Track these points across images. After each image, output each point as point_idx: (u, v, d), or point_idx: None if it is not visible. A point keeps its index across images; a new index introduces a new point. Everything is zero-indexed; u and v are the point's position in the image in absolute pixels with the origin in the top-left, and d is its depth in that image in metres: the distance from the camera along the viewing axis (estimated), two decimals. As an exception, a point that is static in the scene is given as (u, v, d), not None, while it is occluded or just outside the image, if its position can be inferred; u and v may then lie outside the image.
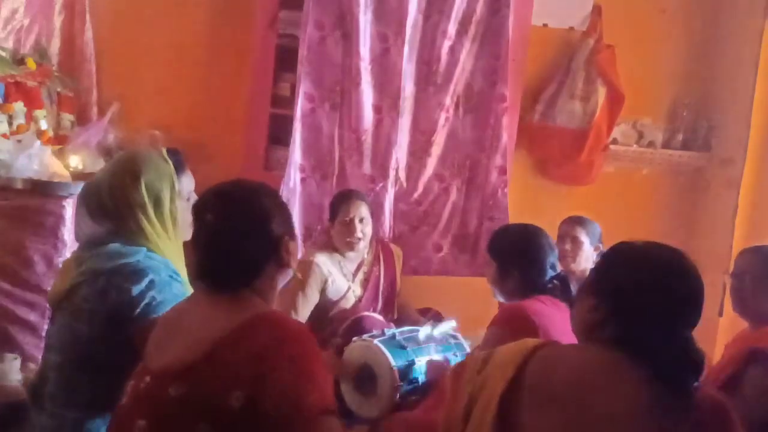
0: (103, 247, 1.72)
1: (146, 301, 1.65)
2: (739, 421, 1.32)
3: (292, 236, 1.53)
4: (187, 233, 1.84)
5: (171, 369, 1.35)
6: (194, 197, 1.87)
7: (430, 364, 2.26)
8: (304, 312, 2.80)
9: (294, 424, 1.28)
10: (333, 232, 2.91)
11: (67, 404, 1.67)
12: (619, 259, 1.41)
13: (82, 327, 1.67)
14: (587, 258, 2.92)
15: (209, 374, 1.31)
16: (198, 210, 1.49)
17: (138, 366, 1.45)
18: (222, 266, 1.44)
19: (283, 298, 2.52)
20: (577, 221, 2.96)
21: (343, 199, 2.89)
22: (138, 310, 1.65)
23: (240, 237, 1.43)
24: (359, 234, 2.84)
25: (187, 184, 1.86)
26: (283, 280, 1.53)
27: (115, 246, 1.71)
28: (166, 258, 1.78)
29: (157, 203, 1.76)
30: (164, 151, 1.83)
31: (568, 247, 2.89)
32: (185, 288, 1.77)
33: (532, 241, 2.24)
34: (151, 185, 1.75)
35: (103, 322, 1.65)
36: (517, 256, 2.20)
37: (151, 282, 1.67)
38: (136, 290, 1.65)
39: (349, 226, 2.83)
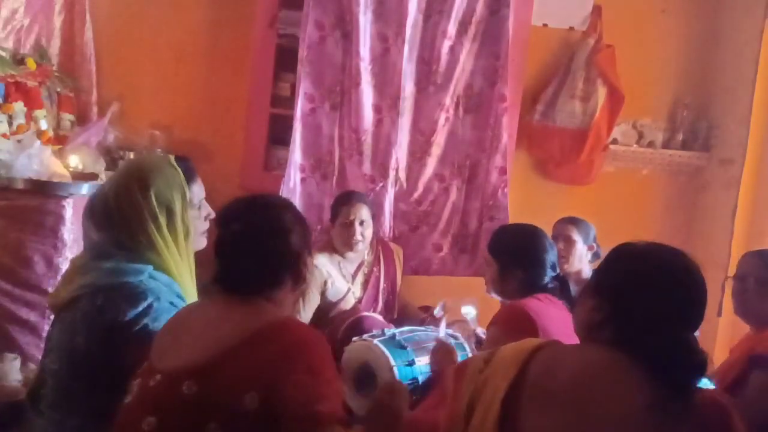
0: (107, 262, 1.66)
1: (139, 326, 1.60)
2: (741, 423, 1.32)
3: (310, 252, 1.59)
4: (199, 242, 1.83)
5: (185, 368, 1.36)
6: (205, 206, 1.84)
7: (437, 342, 2.26)
8: (306, 315, 2.80)
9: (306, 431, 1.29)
10: (333, 233, 2.92)
11: (64, 410, 1.65)
12: (620, 260, 1.41)
13: (79, 340, 1.63)
14: (581, 258, 2.92)
15: (224, 375, 1.32)
16: (225, 218, 1.53)
17: (143, 366, 1.45)
18: (244, 272, 1.47)
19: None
20: (570, 221, 2.97)
21: (343, 201, 2.89)
22: (129, 333, 1.60)
23: (264, 246, 1.49)
24: (358, 236, 2.85)
25: (197, 193, 1.81)
26: (296, 294, 1.59)
27: (120, 262, 1.65)
28: (173, 275, 1.71)
29: (169, 214, 1.70)
30: (173, 158, 1.78)
31: (561, 246, 2.89)
32: None
33: (534, 240, 2.24)
34: (161, 195, 1.69)
35: (99, 338, 1.61)
36: (520, 256, 2.21)
37: (149, 307, 1.62)
38: (131, 313, 1.60)
39: (349, 229, 2.84)
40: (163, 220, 1.69)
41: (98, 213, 1.70)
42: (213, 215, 1.83)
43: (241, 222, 1.49)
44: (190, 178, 1.77)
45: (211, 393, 1.31)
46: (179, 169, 1.74)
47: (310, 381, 1.32)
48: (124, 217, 1.67)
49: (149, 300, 1.62)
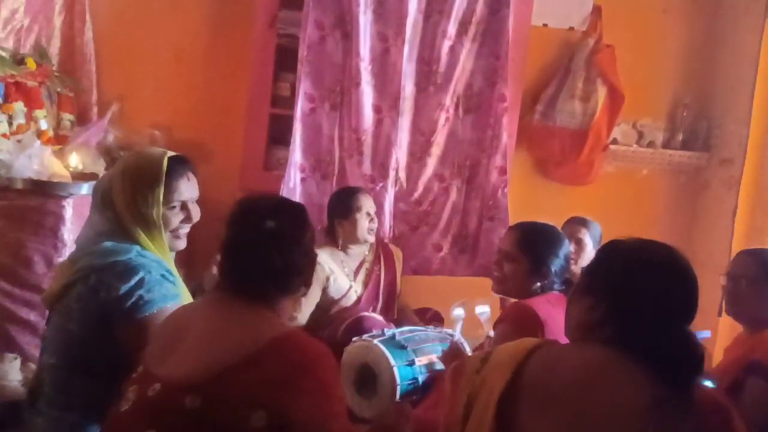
0: (97, 246, 1.72)
1: (133, 299, 1.64)
2: (741, 423, 1.32)
3: (315, 257, 1.57)
4: (174, 243, 1.83)
5: (187, 380, 1.31)
6: (193, 207, 1.84)
7: (431, 371, 2.27)
8: (306, 311, 2.80)
9: None
10: (345, 228, 2.90)
11: (63, 407, 1.67)
12: (613, 257, 1.41)
13: (74, 327, 1.67)
14: (589, 260, 2.91)
15: (230, 391, 1.28)
16: (240, 216, 1.47)
17: (139, 369, 1.42)
18: (258, 276, 1.43)
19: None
20: (581, 222, 2.96)
21: (354, 195, 2.90)
22: (124, 308, 1.64)
23: (284, 249, 1.43)
24: (374, 225, 2.91)
25: (182, 191, 1.80)
26: (300, 297, 1.57)
27: (108, 244, 1.71)
28: (159, 257, 1.77)
29: (139, 205, 1.74)
30: (167, 154, 1.80)
31: (572, 248, 2.88)
32: (177, 288, 1.75)
33: (563, 240, 2.26)
34: (132, 186, 1.74)
35: (94, 321, 1.65)
36: (553, 254, 2.21)
37: (141, 280, 1.66)
38: (124, 288, 1.65)
39: (368, 219, 2.89)
40: (137, 212, 1.74)
41: (99, 194, 1.80)
42: (195, 219, 1.84)
43: (261, 223, 1.43)
44: (173, 176, 1.78)
45: (216, 409, 1.27)
46: (164, 165, 1.76)
47: (322, 399, 1.30)
48: (113, 205, 1.75)
49: (141, 274, 1.67)
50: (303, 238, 1.47)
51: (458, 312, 2.58)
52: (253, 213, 1.46)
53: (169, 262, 1.81)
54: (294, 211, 1.51)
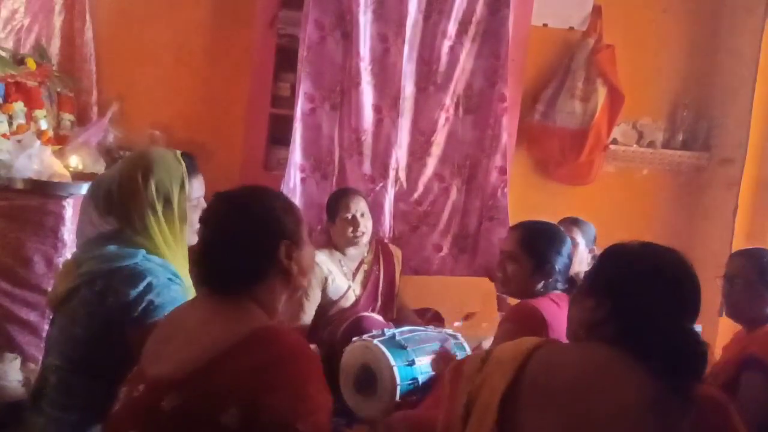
0: (101, 249, 1.72)
1: (143, 304, 1.64)
2: (740, 420, 1.32)
3: (298, 243, 1.45)
4: (192, 237, 1.83)
5: (165, 379, 1.30)
6: (203, 204, 1.84)
7: (435, 353, 2.26)
8: (309, 312, 2.80)
9: None
10: (334, 231, 2.91)
11: (66, 407, 1.67)
12: (615, 258, 1.42)
13: (80, 330, 1.66)
14: (581, 260, 2.89)
15: (204, 388, 1.26)
16: (204, 215, 1.49)
17: (133, 370, 1.41)
18: (219, 269, 1.40)
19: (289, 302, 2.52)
20: (574, 222, 2.95)
21: (341, 197, 2.89)
22: (135, 313, 1.64)
23: (236, 240, 1.40)
24: (362, 228, 2.86)
25: (196, 189, 1.83)
26: (290, 291, 1.47)
27: (113, 248, 1.71)
28: (167, 259, 1.76)
29: (167, 203, 1.75)
30: (178, 153, 1.82)
31: None
32: (185, 290, 1.75)
33: (566, 240, 2.26)
34: (161, 184, 1.75)
35: (101, 325, 1.64)
36: (556, 252, 2.20)
37: (149, 285, 1.66)
38: (133, 293, 1.64)
39: (353, 222, 2.84)
40: (159, 207, 1.75)
41: (101, 197, 1.78)
42: None
43: (216, 218, 1.42)
44: (191, 173, 1.81)
45: (191, 407, 1.25)
46: (182, 163, 1.79)
47: (291, 396, 1.25)
48: (123, 202, 1.74)
49: (148, 279, 1.67)
50: (257, 225, 1.41)
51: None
52: (210, 209, 1.47)
53: (183, 261, 1.80)
54: (249, 201, 1.44)
